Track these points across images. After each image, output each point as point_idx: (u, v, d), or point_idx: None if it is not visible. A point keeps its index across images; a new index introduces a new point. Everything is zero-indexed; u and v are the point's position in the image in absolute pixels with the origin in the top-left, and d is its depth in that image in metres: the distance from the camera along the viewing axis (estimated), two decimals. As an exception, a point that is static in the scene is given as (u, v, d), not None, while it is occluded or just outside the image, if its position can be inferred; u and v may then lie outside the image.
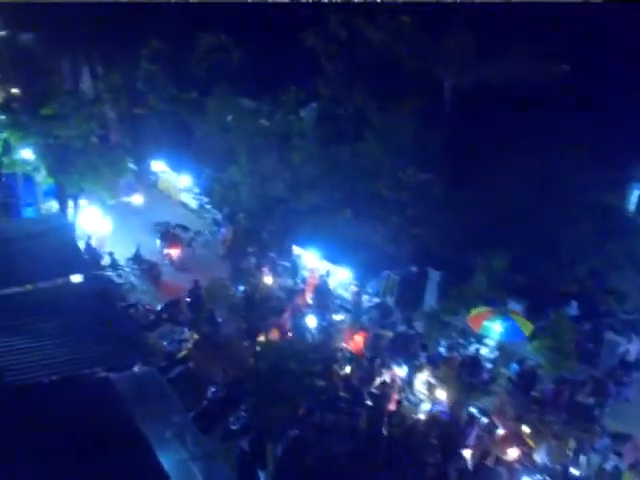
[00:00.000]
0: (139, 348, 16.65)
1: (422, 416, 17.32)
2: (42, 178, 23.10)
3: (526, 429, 16.55)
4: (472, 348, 19.99)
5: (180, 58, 33.64)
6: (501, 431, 16.60)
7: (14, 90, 40.85)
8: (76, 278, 19.33)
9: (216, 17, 34.73)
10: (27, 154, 23.54)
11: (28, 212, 26.77)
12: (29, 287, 18.56)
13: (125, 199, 28.88)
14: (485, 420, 17.14)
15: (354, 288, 23.33)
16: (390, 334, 20.44)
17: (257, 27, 34.76)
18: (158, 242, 26.92)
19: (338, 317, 21.67)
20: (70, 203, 24.28)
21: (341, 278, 23.72)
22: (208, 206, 31.55)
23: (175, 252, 26.39)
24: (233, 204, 31.07)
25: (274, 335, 19.72)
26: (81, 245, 25.10)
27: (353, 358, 19.10)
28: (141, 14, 35.30)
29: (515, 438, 16.20)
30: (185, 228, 27.36)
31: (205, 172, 32.80)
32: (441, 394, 17.70)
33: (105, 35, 38.34)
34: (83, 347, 15.98)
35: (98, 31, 39.20)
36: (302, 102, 30.69)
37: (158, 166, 34.19)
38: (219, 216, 30.42)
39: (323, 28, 27.70)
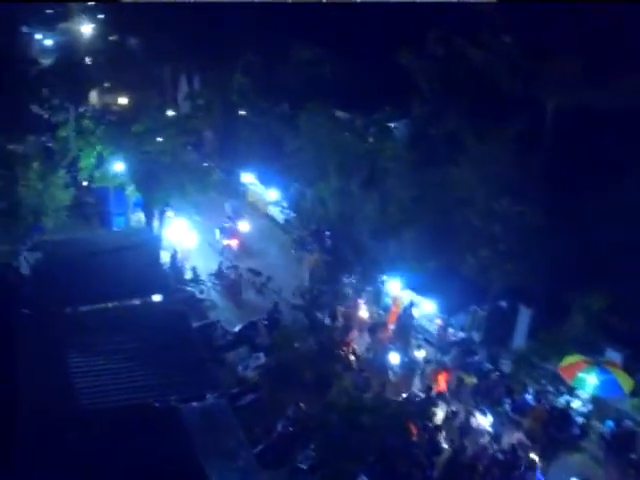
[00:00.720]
0: (211, 379, 16.34)
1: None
2: (131, 191, 23.35)
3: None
4: (562, 399, 18.47)
5: (273, 70, 33.50)
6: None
7: (121, 100, 42.22)
8: (156, 297, 19.44)
9: (311, 30, 34.45)
10: (119, 167, 23.84)
11: (119, 221, 27.43)
12: (110, 305, 18.84)
13: (229, 224, 28.89)
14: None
15: (439, 321, 22.23)
16: (474, 380, 19.17)
17: (352, 41, 34.17)
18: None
19: (420, 353, 20.62)
20: (157, 216, 24.38)
21: (425, 310, 22.64)
22: (294, 221, 31.15)
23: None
24: (319, 221, 30.65)
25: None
26: (166, 257, 25.48)
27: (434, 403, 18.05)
28: (237, 26, 35.53)
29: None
30: (257, 273, 25.72)
31: (293, 186, 32.49)
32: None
33: (203, 45, 38.92)
34: (157, 373, 15.96)
35: (197, 40, 39.88)
36: (395, 119, 29.93)
37: (247, 178, 34.18)
38: (305, 233, 29.94)
39: (420, 45, 26.66)
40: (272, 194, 32.33)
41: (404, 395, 18.17)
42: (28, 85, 40.24)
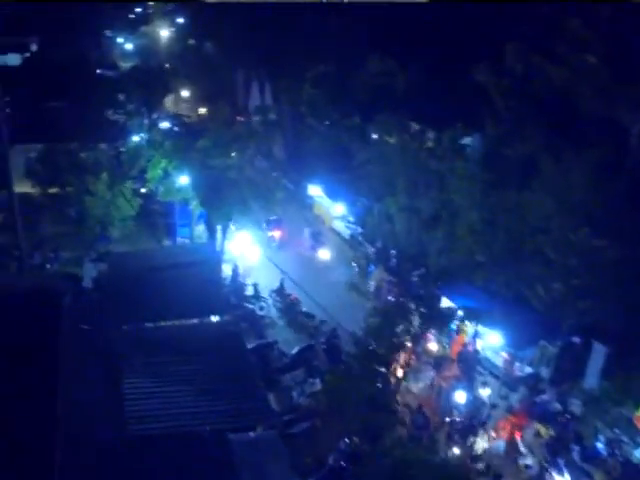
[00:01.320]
0: (264, 409, 15.89)
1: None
2: (195, 206, 23.26)
3: None
4: (638, 452, 17.12)
5: (345, 81, 32.94)
6: None
7: (193, 108, 42.55)
8: (214, 318, 19.21)
9: (386, 40, 33.73)
10: (184, 180, 23.80)
11: (183, 232, 27.54)
12: (167, 323, 18.72)
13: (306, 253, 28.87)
14: None
15: (505, 355, 21.10)
16: (551, 432, 17.90)
17: (427, 53, 33.23)
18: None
19: (485, 391, 19.51)
20: (219, 230, 24.21)
21: (491, 342, 21.53)
22: (360, 237, 30.47)
23: None
24: (386, 239, 29.89)
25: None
26: (227, 270, 25.32)
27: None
28: (311, 36, 35.20)
29: None
30: (310, 316, 24.34)
31: (360, 201, 31.81)
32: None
33: (277, 51, 38.84)
34: (209, 400, 15.64)
35: (272, 46, 39.86)
36: (468, 136, 28.86)
37: (314, 190, 33.73)
38: (371, 250, 29.22)
39: (498, 61, 25.55)
40: (338, 209, 31.69)
41: (468, 445, 17.16)
42: (107, 89, 41.31)
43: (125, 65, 69.81)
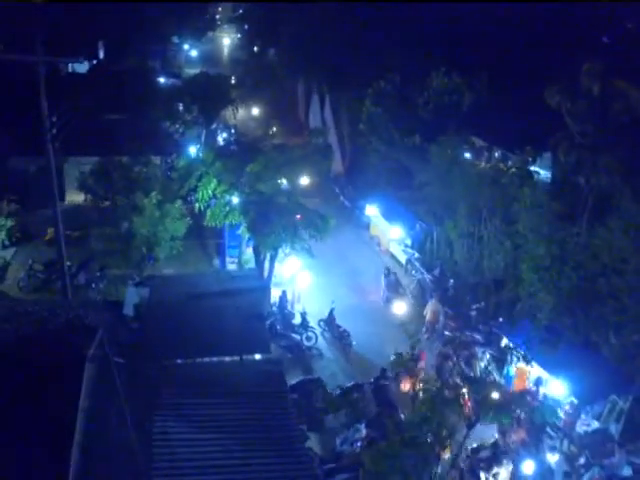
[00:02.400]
0: (304, 465, 14.68)
1: None
2: (243, 231, 22.30)
3: None
4: None
5: (407, 98, 31.49)
6: None
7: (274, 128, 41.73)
8: (256, 355, 18.20)
9: (452, 56, 32.17)
10: (234, 201, 22.90)
11: (233, 252, 26.71)
12: (206, 360, 17.80)
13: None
14: None
15: (568, 408, 19.25)
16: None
17: (496, 70, 31.53)
18: None
19: (553, 457, 17.61)
20: (268, 255, 23.19)
21: (554, 391, 19.69)
22: (417, 263, 28.93)
23: None
24: (444, 266, 28.29)
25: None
26: (275, 294, 24.30)
27: None
28: (374, 50, 33.97)
29: None
30: (359, 387, 20.75)
31: (419, 224, 30.30)
32: None
33: (337, 67, 37.79)
34: (242, 452, 14.59)
35: (331, 62, 38.85)
36: (538, 162, 27.06)
37: (371, 210, 32.38)
38: (428, 278, 27.65)
39: (572, 81, 23.69)
40: (395, 231, 30.23)
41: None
42: (166, 99, 41.00)
43: (189, 71, 70.28)
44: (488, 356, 22.35)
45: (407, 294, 26.87)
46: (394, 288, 26.67)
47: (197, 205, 23.59)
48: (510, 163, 29.83)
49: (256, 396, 16.23)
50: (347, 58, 38.05)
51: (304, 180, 24.29)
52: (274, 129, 42.86)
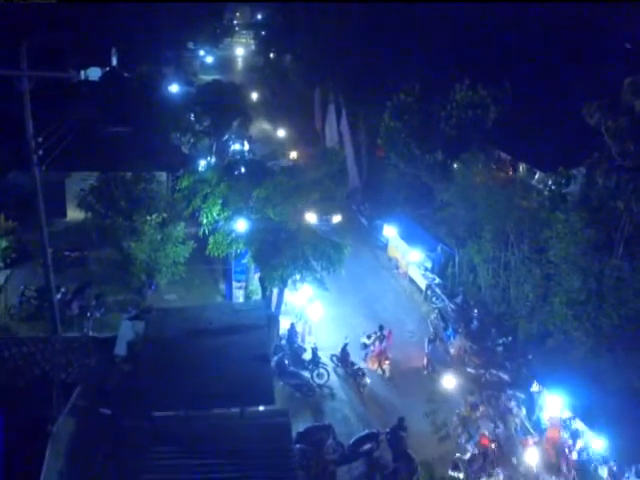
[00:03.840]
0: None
1: None
2: (249, 260, 20.48)
3: None
4: None
5: (428, 113, 29.54)
6: None
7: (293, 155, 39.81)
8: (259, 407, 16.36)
9: (474, 66, 30.21)
10: (240, 226, 21.12)
11: (240, 277, 24.86)
12: (204, 413, 15.98)
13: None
14: None
15: (613, 465, 17.16)
16: None
17: (526, 82, 29.55)
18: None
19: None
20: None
21: (596, 447, 17.57)
22: (438, 289, 26.93)
23: None
24: (467, 294, 26.29)
25: None
26: (285, 325, 22.50)
27: None
28: (393, 61, 32.12)
29: None
30: (374, 437, 18.44)
31: (440, 247, 28.29)
32: None
33: (353, 78, 36.01)
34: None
35: (348, 72, 37.09)
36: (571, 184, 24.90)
37: (389, 230, 30.41)
38: (450, 307, 25.63)
39: (613, 97, 21.65)
40: (414, 255, 28.23)
41: None
42: (177, 109, 39.42)
43: (204, 78, 68.80)
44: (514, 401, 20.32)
45: (454, 361, 22.69)
46: (441, 356, 22.76)
47: (201, 230, 21.87)
48: (537, 176, 27.78)
49: (258, 455, 14.44)
50: (364, 68, 36.34)
51: (336, 218, 22.34)
52: (290, 151, 40.94)
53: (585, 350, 19.55)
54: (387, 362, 22.26)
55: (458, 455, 17.81)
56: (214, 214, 21.49)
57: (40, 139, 18.54)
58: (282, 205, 19.34)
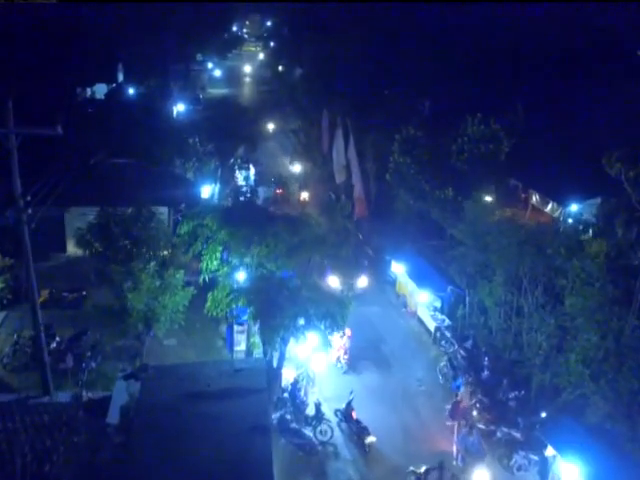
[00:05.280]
0: None
1: None
2: (249, 315, 19.55)
3: None
4: None
5: (438, 146, 28.59)
6: None
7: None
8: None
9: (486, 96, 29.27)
10: (241, 276, 20.27)
11: (242, 320, 23.92)
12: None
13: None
14: None
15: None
16: None
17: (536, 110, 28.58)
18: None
19: None
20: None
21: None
22: (447, 332, 25.91)
23: None
24: (478, 337, 25.23)
25: None
26: (288, 376, 21.61)
27: None
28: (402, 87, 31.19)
29: None
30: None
31: (450, 288, 27.26)
32: None
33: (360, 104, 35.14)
34: None
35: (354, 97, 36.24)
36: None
37: (398, 267, 29.44)
38: (459, 353, 24.59)
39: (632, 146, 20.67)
40: (423, 296, 27.25)
41: None
42: (181, 132, 38.68)
43: (212, 91, 68.12)
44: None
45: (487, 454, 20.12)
46: (476, 449, 19.96)
47: (201, 277, 21.05)
48: (550, 206, 26.68)
49: None
50: (373, 91, 35.54)
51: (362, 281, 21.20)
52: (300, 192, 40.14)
53: (602, 415, 18.50)
54: (346, 357, 23.81)
55: None
56: (214, 262, 20.70)
57: (30, 183, 17.95)
58: (284, 259, 18.46)
